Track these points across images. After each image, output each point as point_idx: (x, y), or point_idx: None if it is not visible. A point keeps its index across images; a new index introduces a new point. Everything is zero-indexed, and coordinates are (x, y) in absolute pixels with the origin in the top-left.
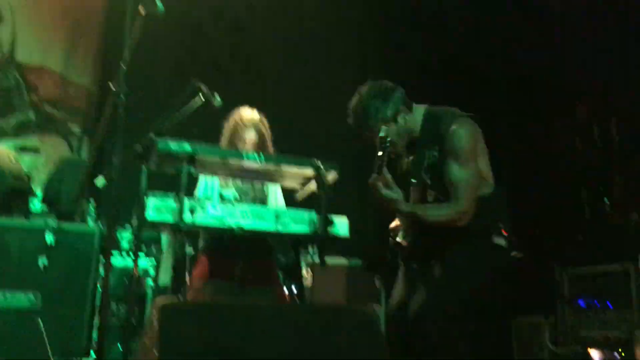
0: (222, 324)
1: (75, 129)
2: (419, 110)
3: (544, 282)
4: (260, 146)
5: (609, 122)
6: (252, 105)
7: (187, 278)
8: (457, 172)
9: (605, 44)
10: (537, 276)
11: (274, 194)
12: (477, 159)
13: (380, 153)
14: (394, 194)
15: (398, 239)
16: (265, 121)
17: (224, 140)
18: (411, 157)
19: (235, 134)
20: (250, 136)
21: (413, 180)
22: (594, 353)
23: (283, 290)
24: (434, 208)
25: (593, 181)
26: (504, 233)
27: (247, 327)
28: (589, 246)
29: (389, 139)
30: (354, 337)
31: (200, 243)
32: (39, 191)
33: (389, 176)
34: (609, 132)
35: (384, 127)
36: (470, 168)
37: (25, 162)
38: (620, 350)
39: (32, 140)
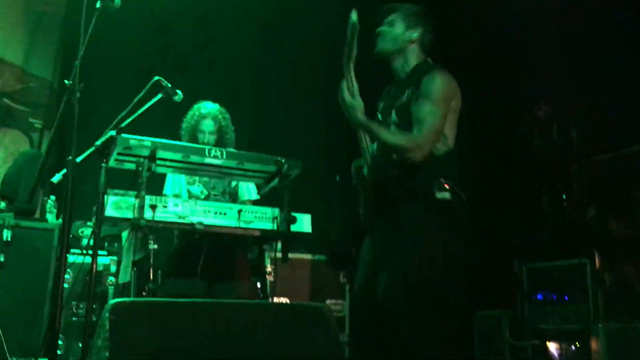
0: (173, 323)
1: (37, 123)
2: (420, 59)
3: (504, 277)
4: (220, 138)
5: (567, 120)
6: (215, 101)
7: (151, 275)
8: (425, 109)
9: (566, 44)
10: (497, 271)
11: (246, 189)
12: (447, 108)
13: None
14: (355, 101)
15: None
16: (225, 113)
17: (184, 134)
18: (354, 81)
19: (195, 126)
20: (209, 127)
21: (379, 117)
22: (552, 346)
23: (248, 286)
24: (390, 132)
25: (552, 178)
26: (446, 187)
27: (200, 326)
28: (547, 242)
29: (358, 27)
30: (307, 333)
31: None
32: None
33: (355, 84)
34: (568, 130)
35: (355, 11)
36: (439, 110)
37: None
38: (577, 342)
39: None
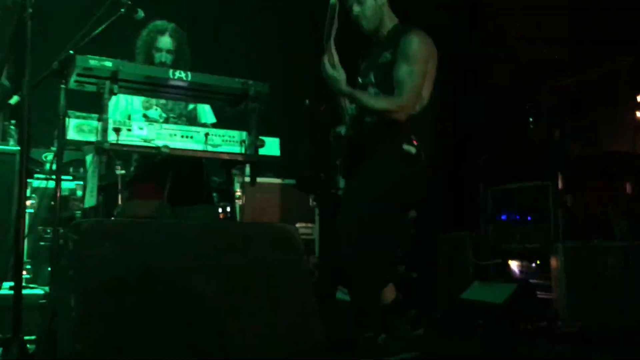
0: (137, 242)
1: None
2: (394, 20)
3: (468, 200)
4: (177, 59)
5: (536, 40)
6: (174, 21)
7: (120, 199)
8: (404, 71)
9: None
10: (461, 194)
11: (204, 112)
12: (425, 68)
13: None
14: (337, 73)
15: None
16: (183, 33)
17: (139, 52)
18: (335, 53)
19: (151, 43)
20: (167, 44)
21: (359, 80)
22: (513, 264)
23: (217, 210)
24: (374, 97)
25: (519, 99)
26: (414, 143)
27: (164, 245)
28: (511, 164)
29: (337, 7)
30: (272, 252)
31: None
32: None
33: (336, 56)
34: (538, 48)
35: None
36: (418, 70)
37: None
38: (537, 261)
39: None
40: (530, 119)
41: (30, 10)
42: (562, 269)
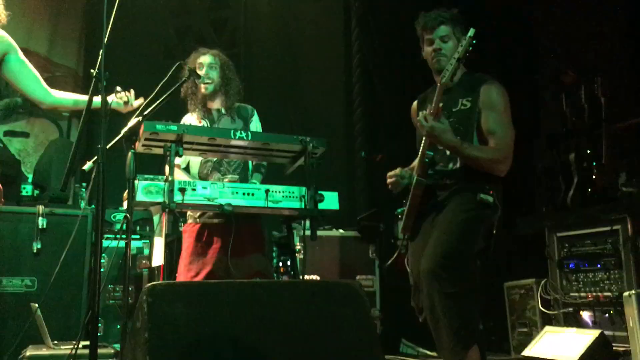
0: (211, 303)
1: (64, 111)
2: (462, 68)
3: (535, 246)
4: (223, 80)
5: (594, 85)
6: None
7: (182, 256)
8: (496, 122)
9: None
10: (527, 241)
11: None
12: (510, 117)
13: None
14: (443, 125)
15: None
16: (229, 62)
17: (190, 104)
18: (440, 104)
19: (194, 64)
20: (209, 59)
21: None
22: (585, 314)
23: (273, 261)
24: (476, 148)
25: (580, 144)
26: (491, 193)
27: (234, 306)
28: (578, 209)
29: (474, 41)
30: (339, 311)
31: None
32: (29, 175)
33: (440, 105)
34: (595, 93)
35: (472, 29)
36: (507, 120)
37: (15, 147)
38: (610, 310)
39: (20, 125)
40: (594, 163)
41: (105, 83)
42: (638, 319)
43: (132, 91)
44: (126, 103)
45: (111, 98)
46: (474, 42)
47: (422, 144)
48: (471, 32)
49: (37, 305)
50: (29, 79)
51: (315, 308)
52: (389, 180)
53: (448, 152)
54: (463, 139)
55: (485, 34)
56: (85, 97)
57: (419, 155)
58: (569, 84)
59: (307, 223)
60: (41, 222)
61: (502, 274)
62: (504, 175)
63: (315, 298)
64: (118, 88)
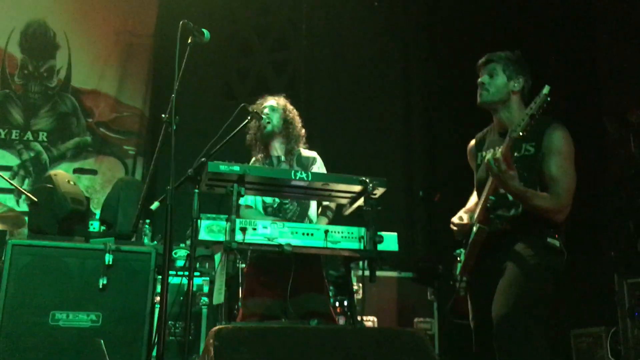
0: (275, 349)
1: (130, 150)
2: (523, 110)
3: (604, 293)
4: (285, 126)
5: None
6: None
7: (240, 294)
8: (559, 167)
9: None
10: (596, 287)
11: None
12: (573, 163)
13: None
14: (513, 172)
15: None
16: (291, 107)
17: (252, 150)
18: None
19: (257, 109)
20: (270, 103)
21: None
22: None
23: (330, 301)
24: (539, 197)
25: None
26: (556, 237)
27: (299, 352)
28: None
29: (549, 98)
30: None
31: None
32: (97, 212)
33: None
34: None
35: (547, 86)
36: (570, 167)
37: (84, 183)
38: None
39: (89, 162)
40: None
41: (175, 126)
42: None
43: None
44: None
45: None
46: (549, 99)
47: (485, 188)
48: (546, 89)
49: (102, 340)
50: None
51: (381, 357)
52: (453, 227)
53: (510, 198)
54: (526, 186)
55: (549, 74)
56: None
57: (481, 200)
58: (637, 122)
59: (366, 264)
60: (108, 258)
61: (569, 321)
62: (560, 223)
63: (381, 348)
64: None
